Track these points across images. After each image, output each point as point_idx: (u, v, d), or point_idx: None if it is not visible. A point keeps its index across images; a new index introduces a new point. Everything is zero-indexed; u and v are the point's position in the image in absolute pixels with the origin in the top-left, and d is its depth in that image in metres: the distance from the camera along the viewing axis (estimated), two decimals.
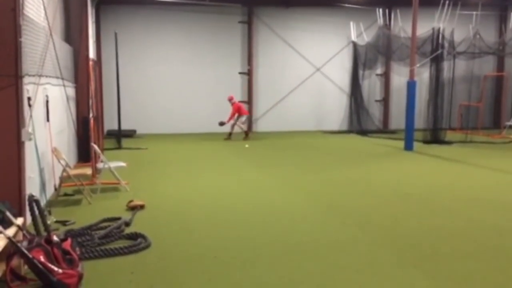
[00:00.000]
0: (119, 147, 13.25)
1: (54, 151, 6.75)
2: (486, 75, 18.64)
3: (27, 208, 4.57)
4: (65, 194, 7.22)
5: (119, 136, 13.62)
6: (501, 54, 18.09)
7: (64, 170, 6.68)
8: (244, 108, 16.52)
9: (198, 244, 4.99)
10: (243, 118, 16.04)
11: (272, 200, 7.02)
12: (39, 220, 4.32)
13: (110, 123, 16.20)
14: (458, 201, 6.99)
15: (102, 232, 5.14)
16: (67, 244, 3.89)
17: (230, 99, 16.01)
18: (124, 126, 15.33)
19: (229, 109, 15.89)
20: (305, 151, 13.12)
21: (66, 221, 5.74)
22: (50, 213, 5.82)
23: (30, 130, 5.45)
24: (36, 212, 4.40)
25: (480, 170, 9.85)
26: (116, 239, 5.03)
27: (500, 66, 20.43)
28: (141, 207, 6.41)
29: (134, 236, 5.10)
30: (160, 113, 17.62)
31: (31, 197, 4.45)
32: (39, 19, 6.75)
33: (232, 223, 5.80)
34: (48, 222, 5.60)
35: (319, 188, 8.01)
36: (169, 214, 6.21)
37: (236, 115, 15.73)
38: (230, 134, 15.74)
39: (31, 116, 5.77)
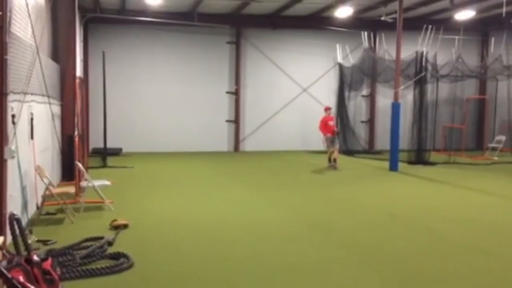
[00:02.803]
0: (104, 165, 13.13)
1: (38, 169, 6.67)
2: (468, 98, 19.04)
3: (8, 226, 4.48)
4: (48, 213, 7.11)
5: (105, 154, 13.51)
6: (483, 78, 18.54)
7: (47, 189, 6.59)
8: (330, 124, 13.50)
9: (182, 263, 4.94)
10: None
11: (257, 219, 7.01)
12: (19, 239, 4.23)
13: (96, 141, 16.08)
14: (443, 222, 7.06)
15: (84, 251, 5.06)
16: (47, 264, 3.82)
17: (327, 109, 13.79)
18: (110, 144, 15.24)
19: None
20: (291, 170, 13.15)
21: (48, 241, 5.64)
22: (31, 232, 5.72)
23: (13, 147, 5.40)
24: (17, 231, 4.32)
25: (464, 191, 9.97)
26: (98, 259, 4.96)
27: (482, 89, 20.89)
28: (125, 226, 6.34)
29: (117, 256, 5.03)
30: (147, 131, 17.56)
31: (12, 215, 4.36)
32: (26, 37, 6.76)
33: (217, 243, 5.76)
34: (29, 241, 5.51)
35: (305, 207, 8.02)
36: (153, 233, 6.15)
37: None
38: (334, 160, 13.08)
39: (14, 133, 5.72)
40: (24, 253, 4.17)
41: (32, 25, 7.00)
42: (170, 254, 5.27)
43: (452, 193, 9.77)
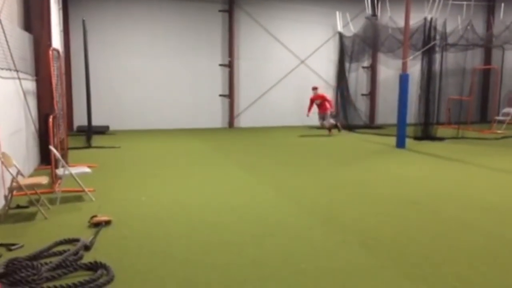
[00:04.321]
0: (88, 145, 12.10)
1: (2, 157, 5.67)
2: (475, 68, 18.08)
3: None
4: (18, 206, 6.14)
5: (89, 134, 12.47)
6: (491, 46, 17.52)
7: (13, 180, 5.62)
8: (317, 102, 15.12)
9: (174, 274, 4.04)
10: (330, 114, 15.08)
11: (261, 212, 6.10)
12: None
13: (81, 119, 15.04)
14: (468, 210, 6.21)
15: (53, 261, 4.14)
16: None
17: (315, 89, 15.15)
18: (96, 122, 14.22)
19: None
20: (291, 149, 12.24)
21: (13, 245, 4.70)
22: None
23: None
24: None
25: (480, 170, 9.15)
26: (71, 271, 4.04)
27: (487, 59, 19.96)
28: (107, 223, 5.41)
29: (94, 266, 4.12)
30: (135, 108, 16.48)
31: None
32: None
33: (215, 245, 4.84)
34: None
35: (313, 194, 7.13)
36: (140, 233, 5.22)
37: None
38: (330, 129, 15.05)
39: None
40: None
41: None
42: (158, 261, 4.36)
43: (469, 173, 8.93)
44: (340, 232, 5.25)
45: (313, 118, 18.15)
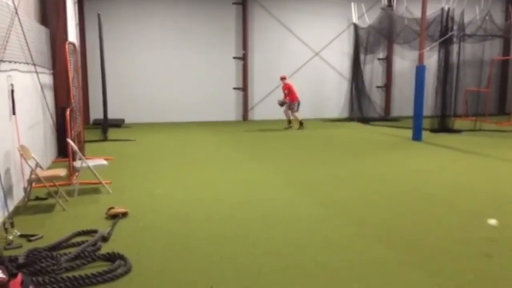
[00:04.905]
0: (104, 138, 12.24)
1: (21, 149, 5.77)
2: (494, 59, 17.73)
3: None
4: (37, 198, 6.25)
5: (105, 127, 12.60)
6: (510, 37, 17.14)
7: (32, 172, 5.71)
8: (285, 92, 14.67)
9: (190, 267, 4.07)
10: (295, 105, 14.59)
11: (274, 205, 6.11)
12: None
13: (97, 112, 15.18)
14: (485, 203, 6.13)
15: (72, 252, 4.21)
16: (16, 284, 2.96)
17: (283, 79, 14.72)
18: (112, 115, 14.34)
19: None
20: (306, 141, 12.21)
21: (32, 235, 4.79)
22: (12, 225, 4.87)
23: None
24: None
25: (498, 163, 9.00)
26: (90, 261, 4.10)
27: (506, 49, 19.55)
28: (123, 215, 5.48)
29: (112, 257, 4.18)
30: (150, 101, 16.57)
31: None
32: None
33: (229, 237, 4.87)
34: (10, 237, 4.69)
35: (329, 188, 7.10)
36: (156, 225, 5.28)
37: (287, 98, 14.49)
38: (289, 121, 14.74)
39: None
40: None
41: None
42: (175, 254, 4.40)
43: (489, 166, 8.78)
44: (355, 225, 5.23)
45: (327, 111, 18.07)
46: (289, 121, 14.74)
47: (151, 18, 16.41)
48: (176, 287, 3.69)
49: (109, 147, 10.94)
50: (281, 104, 14.68)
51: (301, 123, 14.59)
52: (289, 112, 14.60)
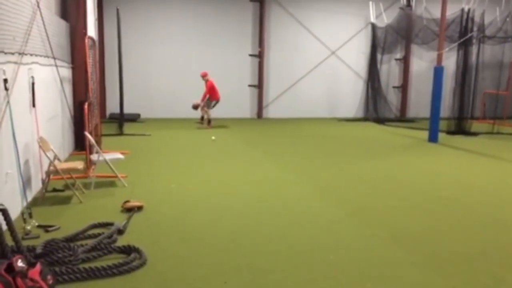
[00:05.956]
0: (120, 133, 12.36)
1: (40, 141, 5.87)
2: None
3: None
4: (54, 190, 6.36)
5: (121, 121, 12.73)
6: None
7: (50, 164, 5.81)
8: (217, 91, 14.33)
9: (204, 262, 4.11)
10: (212, 103, 14.27)
11: (287, 203, 6.12)
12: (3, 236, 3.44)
13: (113, 107, 15.35)
14: (501, 207, 6.06)
15: (88, 244, 4.28)
16: (34, 273, 3.03)
17: (204, 76, 14.30)
18: (128, 110, 14.46)
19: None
20: (320, 140, 12.18)
21: (50, 226, 4.88)
22: (31, 215, 4.96)
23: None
24: (3, 225, 3.54)
25: None
26: (106, 253, 4.17)
27: None
28: (139, 208, 5.54)
29: (128, 250, 4.24)
30: (165, 96, 16.67)
31: None
32: None
33: (243, 232, 4.90)
34: (28, 227, 4.78)
35: (341, 187, 7.09)
36: (170, 218, 5.34)
37: (207, 96, 14.04)
38: (202, 118, 14.50)
39: (8, 101, 4.88)
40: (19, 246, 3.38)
41: None
42: (189, 248, 4.44)
43: (503, 169, 8.66)
44: (368, 225, 5.22)
45: (342, 111, 17.97)
46: (202, 118, 14.56)
47: (168, 14, 16.50)
48: (190, 281, 3.73)
49: (125, 141, 11.06)
50: (195, 107, 14.40)
51: (209, 121, 14.24)
52: (205, 108, 14.22)
